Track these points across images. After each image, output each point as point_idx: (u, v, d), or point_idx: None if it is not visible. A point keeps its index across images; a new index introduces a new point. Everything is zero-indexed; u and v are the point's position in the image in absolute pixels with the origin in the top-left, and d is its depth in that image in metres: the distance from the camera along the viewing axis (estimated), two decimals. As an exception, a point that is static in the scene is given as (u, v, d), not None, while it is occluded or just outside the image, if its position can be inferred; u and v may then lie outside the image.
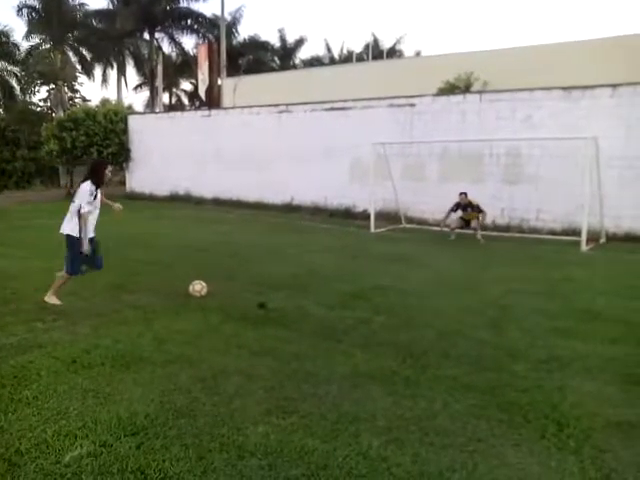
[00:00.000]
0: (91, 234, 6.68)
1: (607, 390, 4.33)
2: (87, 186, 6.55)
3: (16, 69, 33.90)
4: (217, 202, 19.89)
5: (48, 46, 35.17)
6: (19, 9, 34.74)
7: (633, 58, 16.73)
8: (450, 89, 19.12)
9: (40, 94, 35.69)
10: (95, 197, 6.58)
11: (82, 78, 37.89)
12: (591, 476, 3.17)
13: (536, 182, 13.49)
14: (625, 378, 4.56)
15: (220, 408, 3.94)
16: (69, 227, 6.58)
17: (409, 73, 21.99)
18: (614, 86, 12.67)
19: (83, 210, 6.45)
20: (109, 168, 6.96)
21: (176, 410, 3.90)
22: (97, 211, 6.74)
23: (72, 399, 4.07)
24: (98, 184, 6.64)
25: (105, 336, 5.47)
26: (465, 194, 12.61)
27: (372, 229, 13.83)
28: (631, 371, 4.71)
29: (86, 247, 6.49)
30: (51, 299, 6.75)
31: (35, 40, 35.62)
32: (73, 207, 6.58)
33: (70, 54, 36.16)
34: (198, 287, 7.14)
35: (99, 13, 36.87)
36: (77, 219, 6.50)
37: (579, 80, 13.89)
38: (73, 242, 6.56)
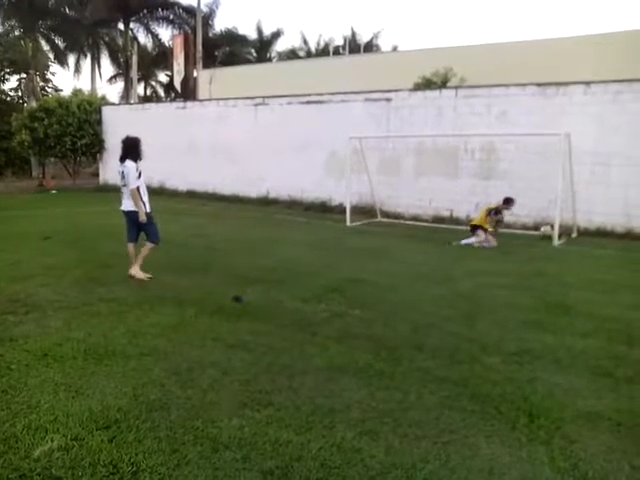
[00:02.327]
0: (147, 208, 7.41)
1: (577, 382, 4.40)
2: (132, 165, 7.28)
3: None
4: (192, 195, 19.76)
5: (18, 33, 34.44)
6: (-14, -6, 33.92)
7: (604, 56, 16.97)
8: (427, 84, 19.22)
9: (10, 83, 34.99)
10: (140, 173, 7.33)
11: (55, 67, 37.29)
12: (560, 466, 3.23)
13: (510, 177, 13.65)
14: (594, 370, 4.64)
15: (194, 401, 3.92)
16: (131, 204, 7.33)
17: (386, 68, 22.04)
18: (587, 83, 12.86)
19: (133, 186, 7.22)
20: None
21: (149, 403, 3.87)
22: (144, 187, 7.46)
23: (43, 393, 4.01)
24: (137, 160, 7.37)
25: (77, 329, 5.40)
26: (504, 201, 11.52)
27: (348, 223, 13.86)
28: (600, 364, 4.79)
29: (144, 217, 7.31)
30: (138, 274, 7.42)
31: (6, 26, 34.84)
32: (126, 188, 7.34)
33: (42, 42, 35.47)
34: None
35: (72, 0, 36.15)
36: (135, 196, 7.26)
37: (554, 77, 14.07)
38: (135, 217, 7.35)
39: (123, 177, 7.35)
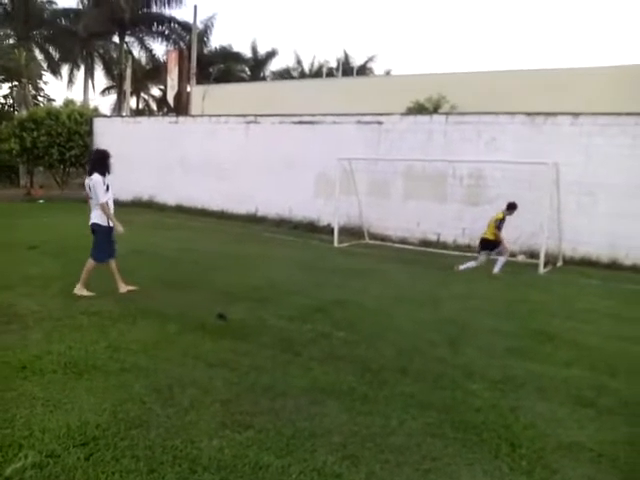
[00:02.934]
0: (111, 223, 7.35)
1: (559, 411, 4.40)
2: (98, 178, 7.19)
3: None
4: (181, 209, 19.68)
5: (12, 42, 34.41)
6: (-16, 2, 33.95)
7: (596, 89, 17.26)
8: (418, 109, 19.39)
9: (2, 90, 34.90)
10: (108, 187, 7.28)
11: (48, 77, 37.23)
12: (541, 497, 3.21)
13: (497, 204, 13.68)
14: (577, 400, 4.64)
15: (174, 420, 3.87)
16: (96, 216, 7.29)
17: (379, 91, 22.23)
18: (575, 115, 13.03)
19: (102, 201, 7.15)
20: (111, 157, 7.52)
21: (129, 421, 3.82)
22: (111, 201, 7.42)
23: (20, 407, 3.94)
24: (104, 174, 7.27)
25: (58, 342, 5.33)
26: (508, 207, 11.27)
27: (336, 243, 13.87)
28: (583, 393, 4.80)
29: (120, 229, 7.35)
30: (82, 292, 7.24)
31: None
32: (93, 202, 7.28)
33: (36, 51, 35.44)
34: None
35: (68, 12, 36.22)
36: (100, 210, 7.21)
37: (545, 107, 14.26)
38: (102, 230, 7.31)
39: (91, 190, 7.28)
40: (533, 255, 12.41)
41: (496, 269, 10.97)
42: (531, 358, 5.74)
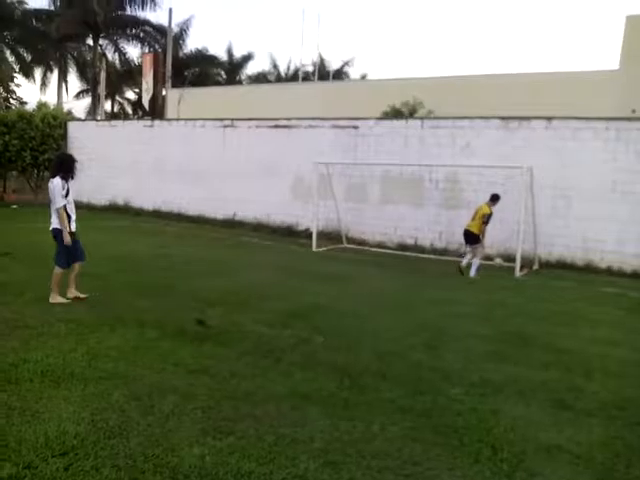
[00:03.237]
0: (72, 228, 7.20)
1: (538, 414, 4.46)
2: (58, 182, 7.02)
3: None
4: (157, 214, 19.52)
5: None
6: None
7: (564, 93, 17.56)
8: (394, 113, 19.52)
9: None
10: (67, 191, 7.07)
11: (20, 79, 36.59)
12: (522, 500, 3.25)
13: (474, 207, 13.83)
14: (555, 403, 4.71)
15: (155, 428, 3.83)
16: (55, 222, 7.10)
17: (355, 95, 22.35)
18: (549, 119, 13.22)
19: (59, 205, 6.98)
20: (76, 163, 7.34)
21: (108, 429, 3.77)
22: (72, 205, 7.25)
23: (-4, 417, 3.87)
24: (66, 178, 7.08)
25: (35, 350, 5.24)
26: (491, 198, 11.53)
27: (314, 248, 13.88)
28: (561, 396, 4.87)
29: (68, 239, 7.03)
30: (56, 299, 7.14)
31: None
32: (52, 206, 7.10)
33: (7, 53, 34.88)
34: None
35: (40, 12, 35.66)
36: (61, 215, 7.03)
37: (517, 111, 14.46)
38: (59, 235, 7.09)
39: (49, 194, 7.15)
40: (509, 258, 12.55)
41: (472, 272, 11.09)
42: (509, 361, 5.80)
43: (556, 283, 11.06)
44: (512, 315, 8.03)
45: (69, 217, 7.16)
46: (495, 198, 11.42)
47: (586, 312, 8.52)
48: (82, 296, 7.39)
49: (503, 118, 13.81)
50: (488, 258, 12.81)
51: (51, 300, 7.12)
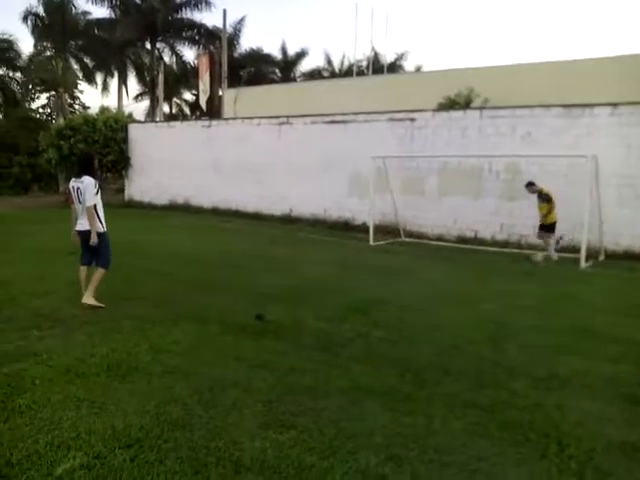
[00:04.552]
0: (102, 229, 7.01)
1: (608, 410, 4.28)
2: (90, 180, 6.86)
3: (18, 75, 34.02)
4: (216, 212, 19.84)
5: (49, 53, 35.30)
6: (25, 16, 35.00)
7: (633, 78, 16.80)
8: (450, 105, 19.17)
9: (40, 100, 35.78)
10: (98, 190, 6.90)
11: (83, 85, 38.04)
12: (594, 499, 3.12)
13: (535, 199, 13.48)
14: (626, 398, 4.51)
15: (217, 421, 3.88)
16: (87, 223, 6.88)
17: (410, 88, 22.05)
18: (614, 105, 12.69)
19: (90, 204, 6.79)
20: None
21: (172, 422, 3.84)
22: (101, 205, 7.02)
23: (66, 409, 4.01)
24: (96, 177, 6.98)
25: (101, 345, 5.41)
26: (531, 184, 11.94)
27: (371, 242, 13.79)
28: (632, 391, 4.66)
29: (95, 239, 6.83)
30: (90, 300, 6.87)
31: (38, 47, 35.82)
32: (81, 207, 6.91)
33: (72, 61, 36.28)
34: None
35: (102, 22, 37.02)
36: (91, 215, 6.82)
37: (580, 98, 13.94)
38: (103, 236, 6.96)
39: (79, 194, 6.88)
40: (574, 249, 12.14)
41: (553, 254, 11.79)
42: (576, 354, 5.60)
43: (623, 274, 10.62)
44: (578, 307, 7.75)
45: (99, 217, 6.94)
46: (529, 184, 11.98)
47: (658, 304, 8.14)
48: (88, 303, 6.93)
49: (565, 106, 13.33)
50: (562, 251, 12.44)
51: (84, 300, 6.82)
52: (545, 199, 11.66)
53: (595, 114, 12.91)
